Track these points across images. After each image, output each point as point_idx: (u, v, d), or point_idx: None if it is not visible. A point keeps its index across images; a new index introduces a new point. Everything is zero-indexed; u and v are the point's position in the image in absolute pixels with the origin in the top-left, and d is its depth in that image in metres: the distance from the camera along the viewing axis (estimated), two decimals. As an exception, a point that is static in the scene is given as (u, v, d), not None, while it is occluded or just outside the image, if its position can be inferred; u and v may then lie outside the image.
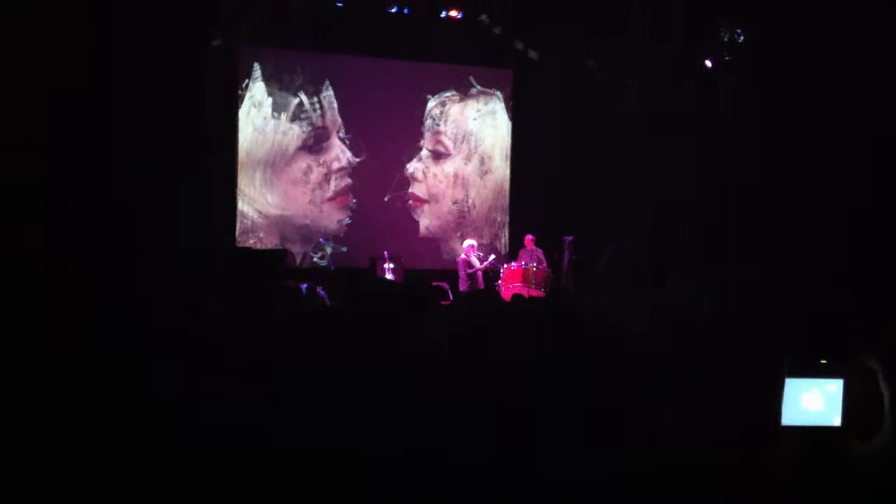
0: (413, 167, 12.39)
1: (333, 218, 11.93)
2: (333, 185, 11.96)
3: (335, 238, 11.87)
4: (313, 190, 11.88)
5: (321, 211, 11.92)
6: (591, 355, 2.62)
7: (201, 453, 1.97)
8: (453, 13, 11.11)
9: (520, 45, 11.88)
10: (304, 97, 11.75)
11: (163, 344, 2.49)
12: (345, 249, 11.84)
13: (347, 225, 11.95)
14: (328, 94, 11.87)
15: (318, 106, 11.83)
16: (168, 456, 1.95)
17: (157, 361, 2.29)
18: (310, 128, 11.82)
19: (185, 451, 1.98)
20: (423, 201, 12.46)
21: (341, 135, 11.96)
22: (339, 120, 11.94)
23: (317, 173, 11.88)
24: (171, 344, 2.52)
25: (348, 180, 12.01)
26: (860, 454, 2.60)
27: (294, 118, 11.72)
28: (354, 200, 12.00)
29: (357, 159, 12.02)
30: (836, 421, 2.75)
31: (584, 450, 2.27)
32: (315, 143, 11.87)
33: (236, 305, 3.42)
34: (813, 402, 2.75)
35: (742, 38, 10.64)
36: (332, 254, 11.61)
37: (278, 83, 11.60)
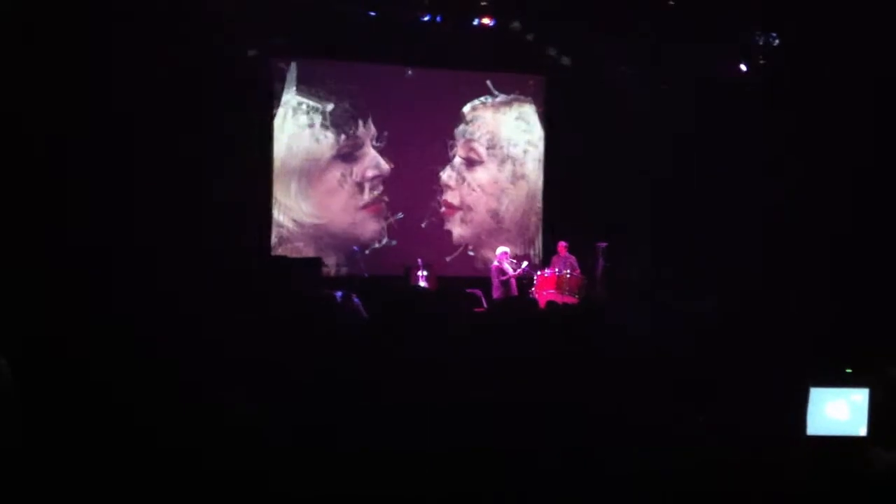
0: (446, 175, 12.42)
1: (367, 226, 11.99)
2: (367, 194, 12.03)
3: (369, 246, 11.92)
4: (347, 199, 11.96)
5: (355, 219, 11.99)
6: (618, 360, 2.63)
7: (210, 455, 2.01)
8: (486, 21, 11.13)
9: (552, 52, 11.86)
10: (338, 106, 11.84)
11: (192, 353, 2.54)
12: (393, 242, 11.85)
13: (381, 233, 12.00)
14: (362, 103, 11.95)
15: (351, 115, 11.92)
16: (177, 456, 1.99)
17: (182, 368, 2.33)
18: (344, 137, 11.91)
19: (193, 451, 2.02)
20: (456, 209, 12.48)
21: (375, 143, 12.03)
22: (373, 129, 12.01)
23: (351, 182, 11.96)
24: (198, 354, 2.56)
25: (382, 188, 12.07)
26: (885, 463, 2.59)
27: (328, 127, 11.81)
28: (388, 209, 12.05)
29: (390, 167, 12.08)
30: (862, 431, 2.72)
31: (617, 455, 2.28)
32: (349, 152, 11.94)
33: (270, 314, 3.46)
34: (838, 411, 2.72)
35: (777, 42, 10.55)
36: (360, 258, 11.54)
37: (312, 93, 11.70)
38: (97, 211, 8.98)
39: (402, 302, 3.12)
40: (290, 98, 11.61)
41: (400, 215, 11.80)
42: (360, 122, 11.96)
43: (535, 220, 12.85)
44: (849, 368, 2.93)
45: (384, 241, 12.03)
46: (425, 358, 2.52)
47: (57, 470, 1.99)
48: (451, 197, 12.46)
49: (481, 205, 12.62)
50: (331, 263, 11.70)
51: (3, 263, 6.96)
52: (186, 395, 2.16)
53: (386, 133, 12.04)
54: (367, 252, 11.79)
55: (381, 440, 2.21)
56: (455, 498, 2.17)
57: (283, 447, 2.15)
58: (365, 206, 12.02)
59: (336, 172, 11.88)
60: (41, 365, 2.24)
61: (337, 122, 11.84)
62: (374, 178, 12.04)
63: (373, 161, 12.03)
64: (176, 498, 1.98)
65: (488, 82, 12.51)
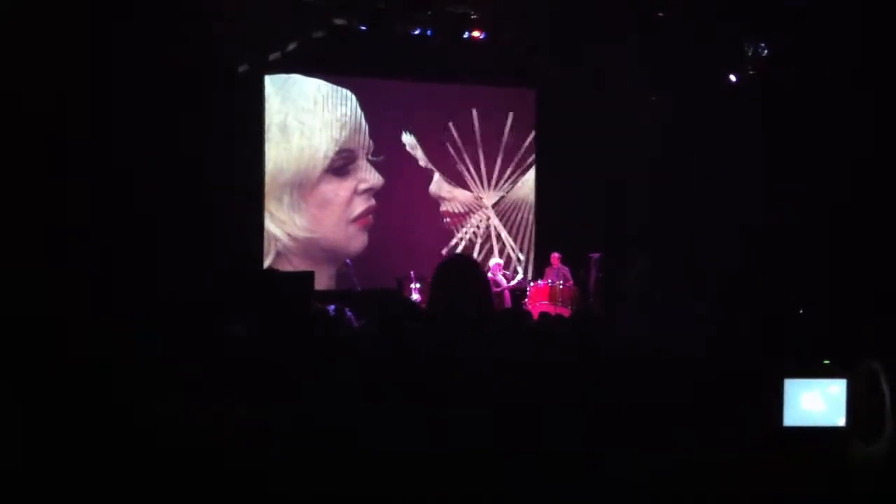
0: (438, 187, 12.42)
1: (360, 239, 11.98)
2: (360, 207, 12.02)
3: (361, 259, 11.89)
4: (340, 212, 11.94)
5: (347, 232, 11.97)
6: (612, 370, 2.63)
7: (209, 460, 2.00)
8: (476, 34, 11.16)
9: (542, 64, 11.90)
10: (330, 119, 11.85)
11: (183, 362, 2.53)
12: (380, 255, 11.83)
13: (373, 246, 11.98)
14: (354, 116, 11.95)
15: (344, 128, 11.92)
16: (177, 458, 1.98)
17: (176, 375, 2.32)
18: (336, 150, 11.91)
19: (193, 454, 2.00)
20: (449, 221, 12.49)
21: (368, 157, 12.03)
22: (366, 142, 12.02)
23: (343, 195, 11.94)
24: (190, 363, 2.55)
25: (374, 202, 12.06)
26: (863, 454, 2.60)
27: (321, 141, 11.80)
28: (380, 222, 12.05)
29: (383, 180, 12.08)
30: (840, 421, 2.74)
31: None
32: (342, 166, 11.94)
33: (262, 327, 3.45)
34: (813, 402, 2.75)
35: (766, 52, 10.60)
36: (353, 272, 11.48)
37: (304, 107, 11.70)
38: (87, 225, 8.94)
39: (394, 316, 3.11)
40: (283, 113, 11.60)
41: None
42: (353, 136, 11.96)
43: (527, 232, 12.86)
44: (826, 360, 2.97)
45: (371, 247, 11.97)
46: (421, 363, 2.52)
47: (57, 470, 1.97)
48: (444, 209, 12.46)
49: (473, 217, 12.62)
50: (324, 275, 11.68)
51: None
52: (174, 401, 2.15)
53: (378, 147, 12.05)
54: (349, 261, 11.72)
55: (379, 441, 2.21)
56: (455, 498, 2.16)
57: (283, 449, 2.14)
58: (357, 220, 12.01)
59: (329, 186, 11.86)
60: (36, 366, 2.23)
61: (329, 136, 11.84)
62: (366, 191, 12.04)
63: (365, 174, 12.02)
64: (176, 498, 1.96)
65: (484, 96, 12.52)
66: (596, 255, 11.46)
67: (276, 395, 2.38)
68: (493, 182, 12.70)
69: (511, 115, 12.74)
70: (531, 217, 12.86)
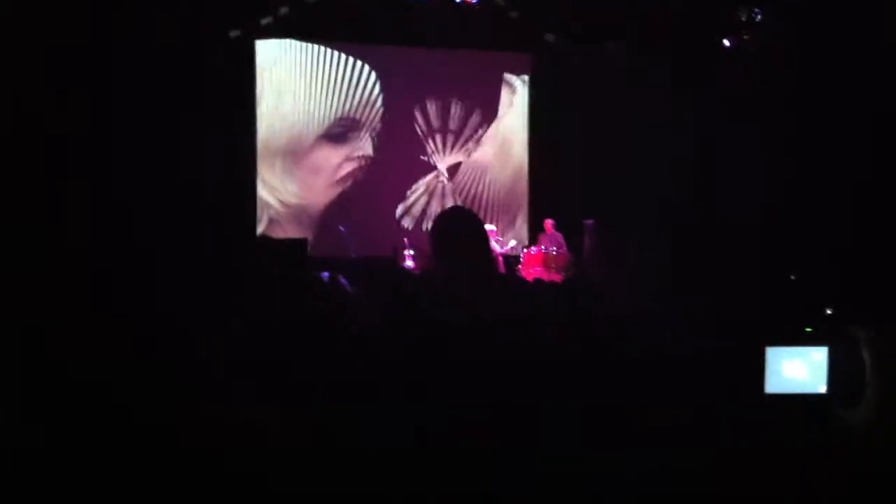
0: (432, 155, 12.37)
1: (353, 206, 11.93)
2: (355, 175, 11.98)
3: (355, 227, 11.86)
4: (332, 178, 11.90)
5: (339, 199, 11.93)
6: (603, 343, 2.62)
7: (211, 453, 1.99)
8: (470, -2, 11.05)
9: (538, 29, 11.79)
10: (324, 85, 11.76)
11: (177, 343, 2.50)
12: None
13: (367, 213, 11.94)
14: (349, 82, 11.86)
15: (338, 94, 11.83)
16: (180, 455, 1.97)
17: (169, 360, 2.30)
18: (330, 116, 11.83)
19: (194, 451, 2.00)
20: (442, 187, 12.45)
21: (364, 123, 11.96)
22: (361, 108, 11.94)
23: (338, 163, 11.89)
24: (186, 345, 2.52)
25: (370, 169, 12.02)
26: (845, 420, 2.64)
27: (314, 107, 11.72)
28: (374, 189, 12.01)
29: (377, 148, 12.02)
30: (822, 388, 2.79)
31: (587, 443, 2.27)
32: (336, 133, 11.88)
33: (256, 297, 3.42)
34: (795, 369, 2.80)
35: (760, 17, 10.52)
36: (347, 238, 11.44)
37: (298, 73, 11.61)
38: (77, 193, 8.88)
39: (388, 282, 3.08)
40: (275, 78, 11.51)
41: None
42: (347, 102, 11.88)
43: (522, 198, 12.83)
44: (809, 328, 3.01)
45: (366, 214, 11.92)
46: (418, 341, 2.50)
47: (56, 470, 1.96)
48: (437, 176, 12.42)
49: (469, 183, 12.58)
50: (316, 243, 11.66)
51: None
52: (168, 376, 2.14)
53: (373, 114, 11.97)
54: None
55: (378, 438, 2.20)
56: (455, 498, 2.16)
57: (282, 448, 2.13)
58: (352, 187, 11.96)
59: (323, 153, 11.81)
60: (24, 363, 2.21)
61: (323, 102, 11.76)
62: (360, 157, 11.99)
63: (360, 142, 11.96)
64: (177, 498, 1.96)
65: (479, 62, 12.38)
66: (591, 222, 11.43)
67: (275, 393, 2.35)
68: (489, 147, 12.63)
69: (506, 80, 12.65)
70: (526, 183, 12.81)
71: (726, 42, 11.01)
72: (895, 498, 2.35)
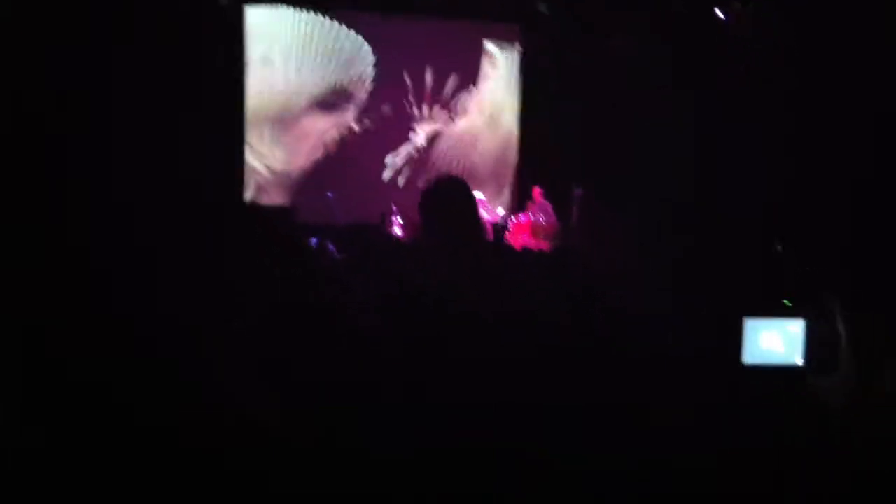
0: (423, 124, 12.33)
1: (342, 173, 11.89)
2: (343, 142, 11.94)
3: (343, 193, 11.82)
4: (322, 146, 11.86)
5: (330, 166, 11.90)
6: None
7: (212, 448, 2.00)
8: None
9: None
10: (315, 53, 11.67)
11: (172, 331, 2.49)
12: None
13: (356, 180, 11.90)
14: (342, 50, 11.78)
15: (329, 62, 11.76)
16: (180, 454, 1.98)
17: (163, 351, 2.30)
18: (322, 84, 11.77)
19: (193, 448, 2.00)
20: (432, 155, 12.43)
21: (354, 93, 11.89)
22: (354, 77, 11.88)
23: (327, 130, 11.85)
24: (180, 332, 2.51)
25: (358, 136, 11.98)
26: (819, 390, 2.70)
27: (305, 75, 11.65)
28: (363, 157, 11.97)
29: (368, 115, 11.97)
30: (798, 360, 2.86)
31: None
32: (327, 101, 11.82)
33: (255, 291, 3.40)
34: (773, 341, 2.86)
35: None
36: (335, 205, 11.39)
37: (287, 41, 11.52)
38: (65, 161, 8.81)
39: (376, 248, 3.09)
40: (264, 44, 11.42)
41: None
42: (339, 72, 11.82)
43: (510, 167, 12.80)
44: (787, 301, 3.07)
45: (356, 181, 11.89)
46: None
47: (56, 470, 1.97)
48: (426, 144, 12.39)
49: (458, 152, 12.55)
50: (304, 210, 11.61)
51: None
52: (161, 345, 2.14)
53: (367, 81, 11.90)
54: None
55: (378, 436, 2.20)
56: (455, 498, 2.18)
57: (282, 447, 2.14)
58: (343, 155, 11.92)
59: (313, 120, 11.76)
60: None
61: (314, 70, 11.69)
62: (351, 126, 11.95)
63: (351, 109, 11.91)
64: (177, 498, 1.97)
65: (469, 32, 12.28)
66: (579, 191, 11.42)
67: (275, 392, 2.35)
68: (477, 117, 12.59)
69: (496, 50, 12.58)
70: (514, 152, 12.78)
71: (720, 14, 10.90)
72: (895, 498, 2.39)
